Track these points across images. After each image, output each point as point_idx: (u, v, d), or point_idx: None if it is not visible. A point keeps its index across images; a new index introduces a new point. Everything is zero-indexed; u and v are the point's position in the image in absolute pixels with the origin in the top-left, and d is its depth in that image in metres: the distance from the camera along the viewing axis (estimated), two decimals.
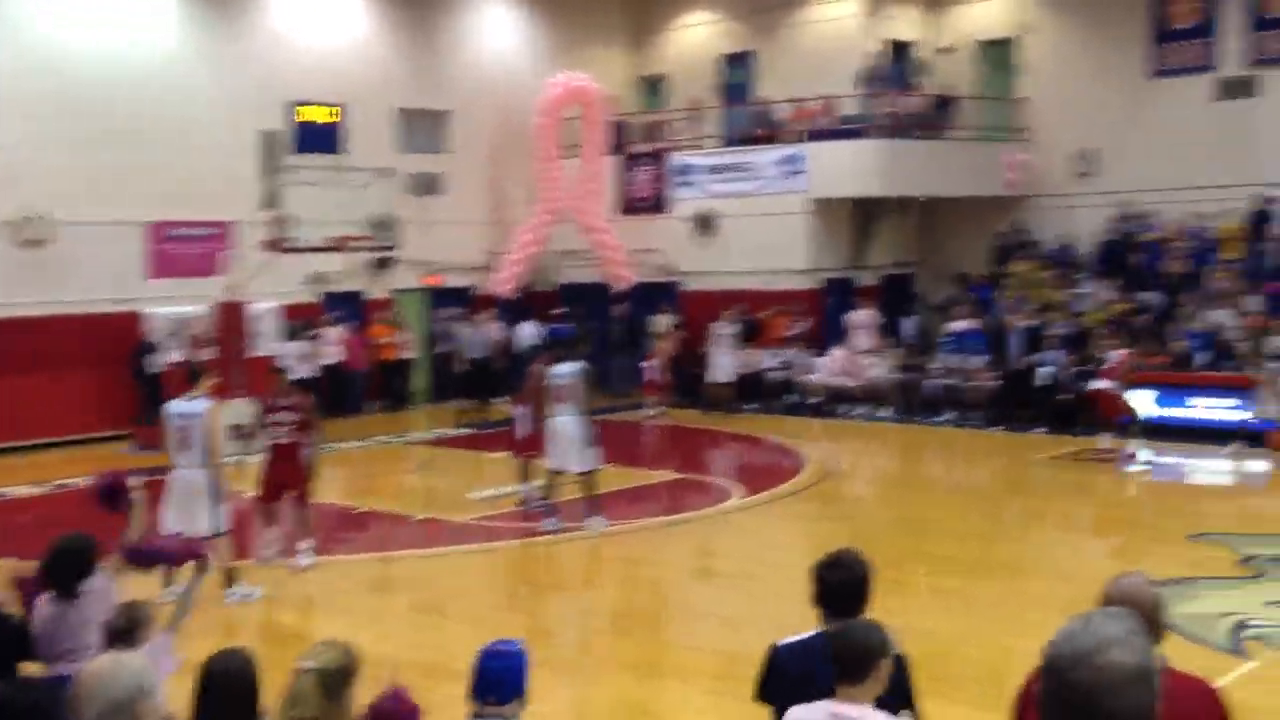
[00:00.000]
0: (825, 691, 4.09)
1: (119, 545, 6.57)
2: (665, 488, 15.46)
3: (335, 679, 3.91)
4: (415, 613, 10.75)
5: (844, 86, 22.90)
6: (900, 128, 22.66)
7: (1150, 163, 21.83)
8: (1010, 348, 19.71)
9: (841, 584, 4.39)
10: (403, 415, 22.39)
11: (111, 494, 7.02)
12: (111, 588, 5.94)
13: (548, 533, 12.69)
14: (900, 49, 24.87)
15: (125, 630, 5.21)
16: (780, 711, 4.33)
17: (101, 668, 3.23)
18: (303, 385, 16.58)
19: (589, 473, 12.73)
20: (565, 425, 12.62)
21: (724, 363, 21.45)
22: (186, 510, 10.20)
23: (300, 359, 20.14)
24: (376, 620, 10.17)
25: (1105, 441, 16.45)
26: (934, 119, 23.28)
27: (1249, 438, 16.53)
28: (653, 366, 21.28)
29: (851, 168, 22.24)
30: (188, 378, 10.98)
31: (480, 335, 22.04)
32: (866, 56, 23.14)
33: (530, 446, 13.59)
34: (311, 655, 3.95)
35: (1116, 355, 16.59)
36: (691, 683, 8.73)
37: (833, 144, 22.57)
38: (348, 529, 13.98)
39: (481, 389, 21.75)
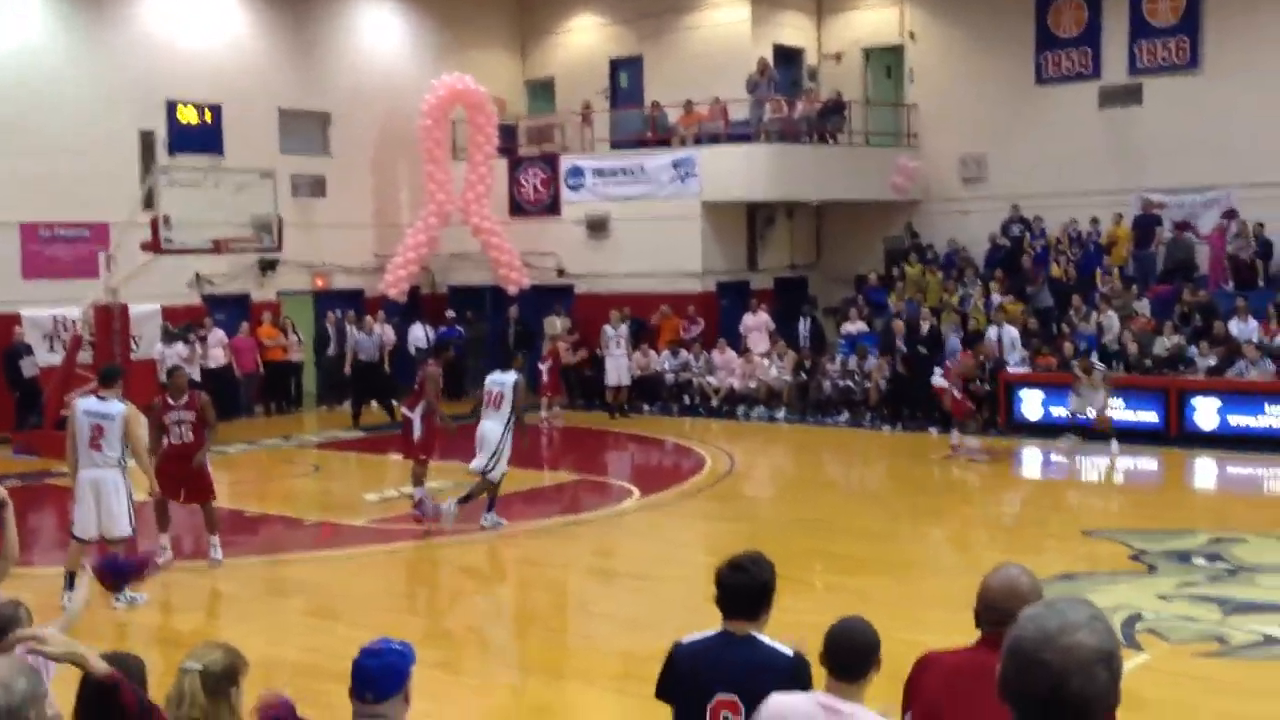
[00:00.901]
0: (725, 687, 4.21)
1: (94, 562, 6.31)
2: (563, 489, 15.33)
3: (219, 679, 3.80)
4: (309, 616, 10.44)
5: (733, 92, 23.03)
6: (790, 133, 22.87)
7: (1037, 168, 22.36)
8: (902, 349, 19.94)
9: (743, 587, 4.35)
10: (292, 418, 21.93)
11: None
12: None
13: (485, 529, 12.65)
14: (788, 55, 25.11)
15: (3, 628, 4.93)
16: (679, 709, 4.40)
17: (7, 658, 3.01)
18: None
19: (491, 474, 12.69)
20: (490, 430, 12.64)
21: (618, 365, 21.39)
22: (103, 511, 10.09)
23: (183, 362, 19.53)
24: (270, 623, 9.89)
25: (954, 438, 16.87)
26: (824, 124, 23.54)
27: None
28: (548, 369, 21.13)
29: (743, 172, 22.39)
30: (102, 378, 10.84)
31: (370, 338, 21.66)
32: (755, 62, 23.30)
33: (425, 449, 13.36)
34: (195, 656, 3.83)
35: (957, 354, 17.03)
36: (594, 683, 8.61)
37: (723, 148, 22.70)
38: (240, 532, 13.56)
39: (371, 391, 21.39)
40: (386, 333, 22.35)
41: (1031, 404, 18.32)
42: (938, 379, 17.27)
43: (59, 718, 5.01)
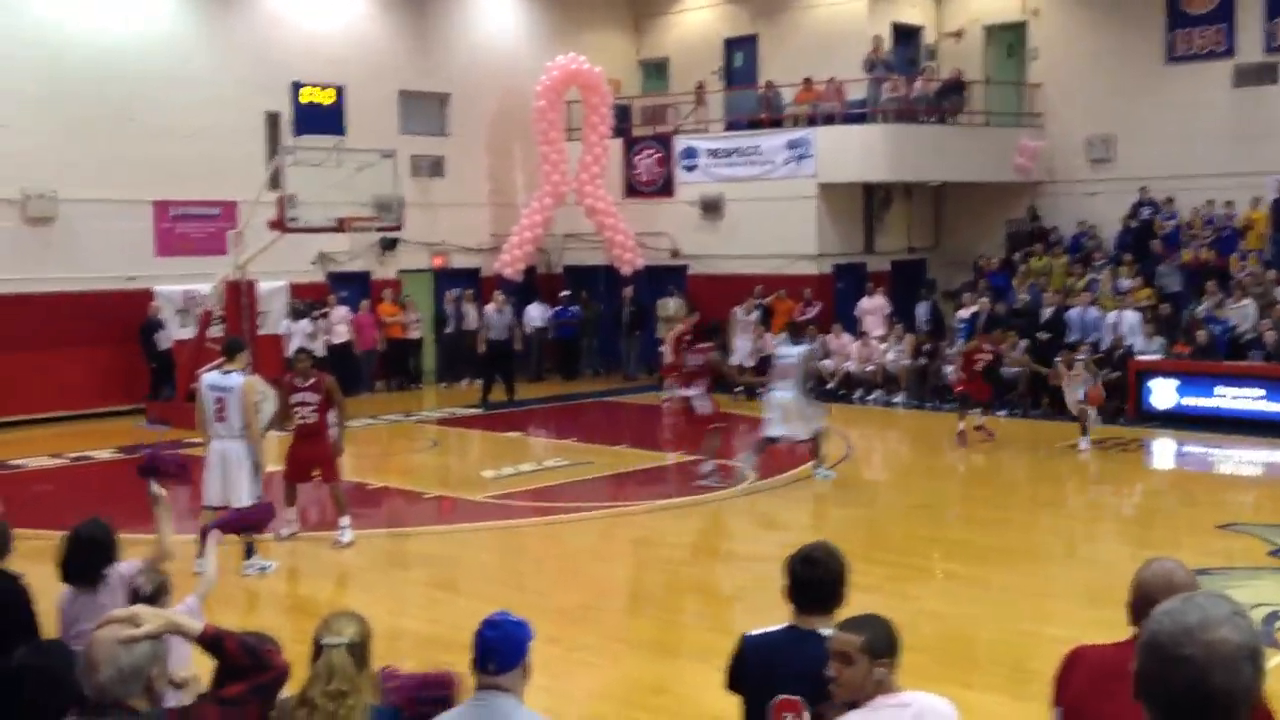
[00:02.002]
0: (788, 685, 4.14)
1: (223, 518, 6.52)
2: (681, 469, 15.35)
3: (360, 650, 3.94)
4: (430, 588, 10.67)
5: (849, 71, 22.79)
6: (908, 112, 22.55)
7: (1168, 149, 21.69)
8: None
9: (816, 580, 4.29)
10: (411, 394, 22.38)
11: (155, 471, 6.89)
12: (133, 573, 5.85)
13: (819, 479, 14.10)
14: (907, 33, 24.75)
15: (151, 597, 5.14)
16: (747, 704, 4.35)
17: (109, 636, 3.17)
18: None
19: (815, 435, 14.22)
20: (784, 399, 13.97)
21: (743, 346, 21.35)
22: (228, 481, 10.39)
23: (307, 338, 20.06)
24: (392, 594, 10.11)
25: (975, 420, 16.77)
26: (942, 104, 23.16)
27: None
28: (667, 350, 21.00)
29: (859, 152, 22.15)
30: (225, 351, 11.12)
31: (501, 316, 21.90)
32: (871, 41, 23.02)
33: (715, 419, 14.61)
34: (333, 629, 3.95)
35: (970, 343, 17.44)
36: (709, 662, 8.63)
37: (840, 128, 22.47)
38: (362, 505, 13.90)
39: (500, 370, 21.62)
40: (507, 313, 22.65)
41: (1162, 393, 17.83)
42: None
43: (195, 679, 5.21)
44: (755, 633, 4.40)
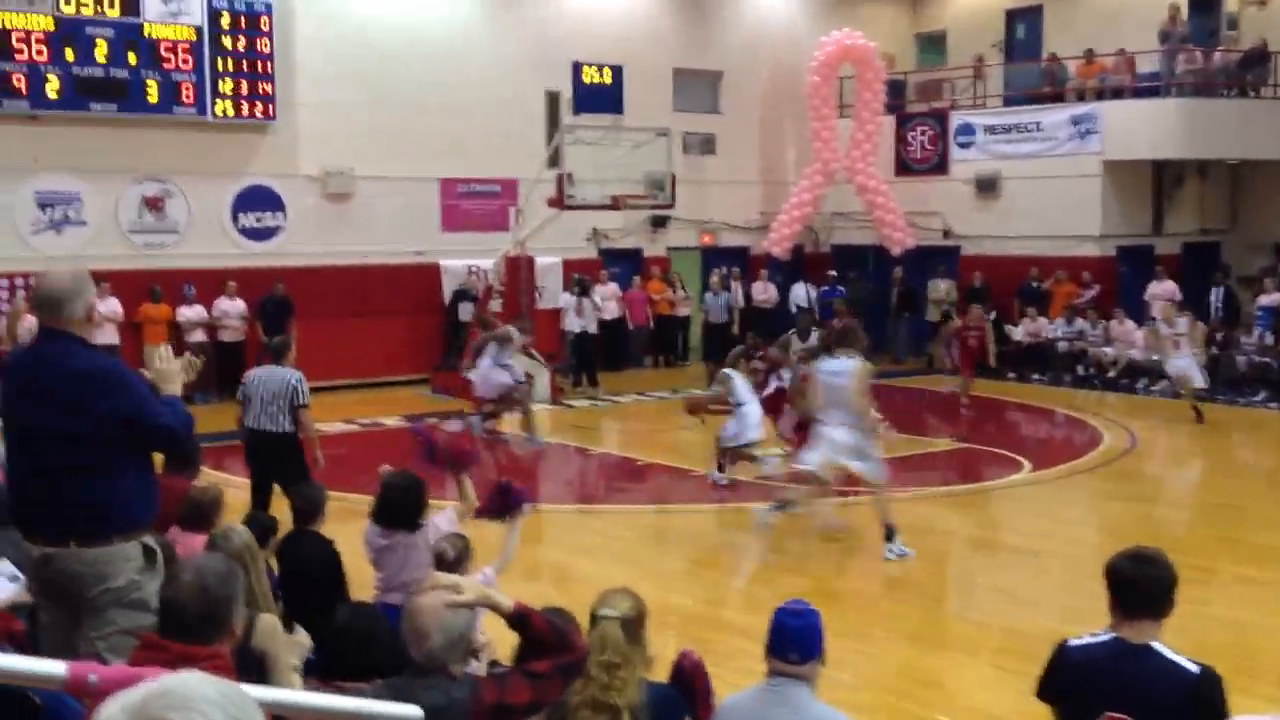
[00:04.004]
0: (1117, 703, 3.89)
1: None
2: (951, 456, 15.06)
3: (633, 625, 4.06)
4: (694, 565, 10.85)
5: (1139, 43, 21.62)
6: (1206, 85, 21.25)
7: None
8: None
9: (1151, 581, 3.98)
10: (679, 370, 22.71)
11: (445, 460, 7.05)
12: (449, 526, 6.20)
13: None
14: (1205, 2, 23.27)
15: (455, 561, 5.46)
16: (1062, 713, 4.12)
17: (437, 603, 3.35)
18: (580, 339, 17.19)
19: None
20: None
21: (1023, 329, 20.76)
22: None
23: (575, 313, 20.64)
24: (658, 570, 10.33)
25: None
26: (1245, 76, 21.69)
27: None
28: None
29: (1150, 128, 21.07)
30: (837, 339, 11.05)
31: (718, 299, 21.97)
32: (1166, 10, 21.75)
33: None
34: (608, 603, 4.09)
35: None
36: (978, 656, 8.49)
37: (1129, 103, 21.40)
38: (630, 481, 14.29)
39: (712, 354, 21.47)
40: (761, 290, 22.64)
41: None
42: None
43: (488, 644, 5.51)
44: (1077, 642, 4.12)
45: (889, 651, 8.71)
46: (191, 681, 1.64)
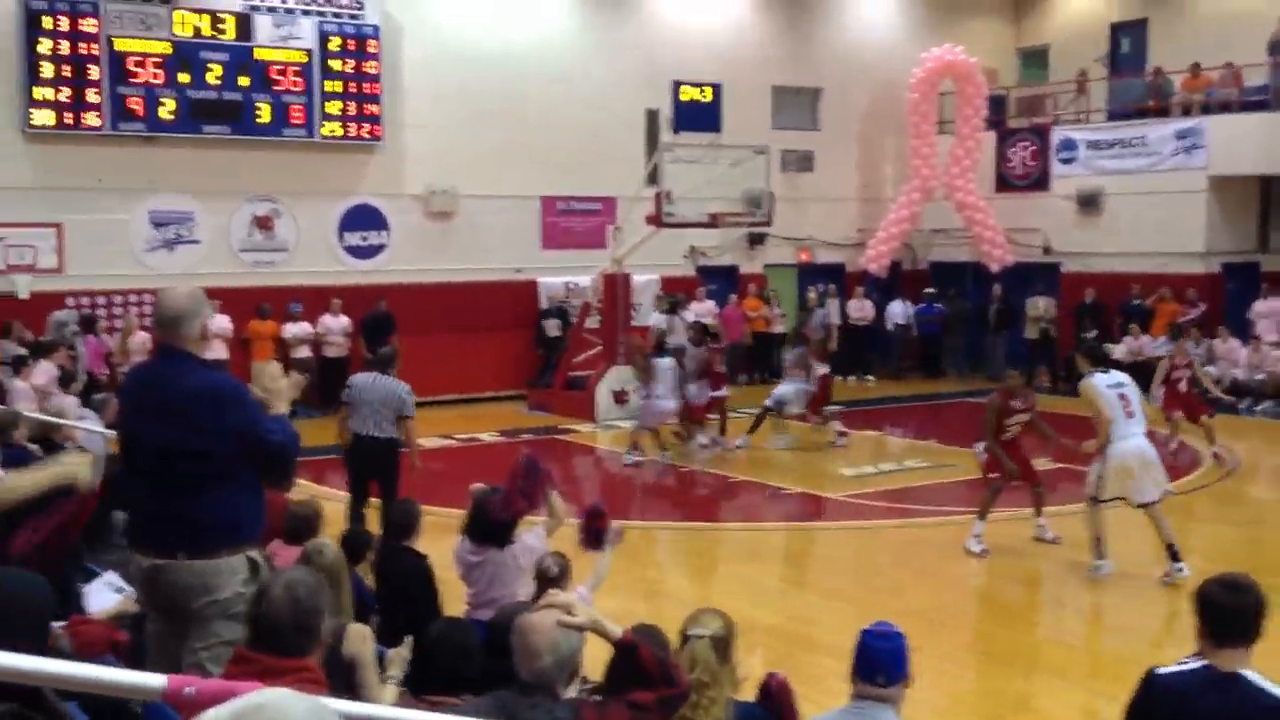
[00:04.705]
0: None
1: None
2: (1042, 476, 14.88)
3: (724, 644, 4.11)
4: (784, 583, 10.92)
5: (1248, 56, 21.17)
6: None
7: None
8: None
9: (1243, 609, 3.93)
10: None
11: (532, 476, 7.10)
12: (539, 543, 6.35)
13: None
14: None
15: (556, 579, 5.61)
16: None
17: (550, 622, 3.39)
18: (676, 353, 17.25)
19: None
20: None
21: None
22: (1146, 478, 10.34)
23: (670, 331, 20.71)
24: (748, 586, 10.41)
25: None
26: None
27: None
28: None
29: (1258, 142, 20.63)
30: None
31: (814, 316, 21.84)
32: (1277, 22, 21.25)
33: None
34: (699, 623, 4.14)
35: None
36: (1067, 679, 8.44)
37: (1237, 117, 20.98)
38: (725, 498, 14.39)
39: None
40: (857, 307, 22.55)
41: None
42: None
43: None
44: (1166, 670, 4.04)
45: (979, 674, 8.70)
46: (279, 698, 1.74)
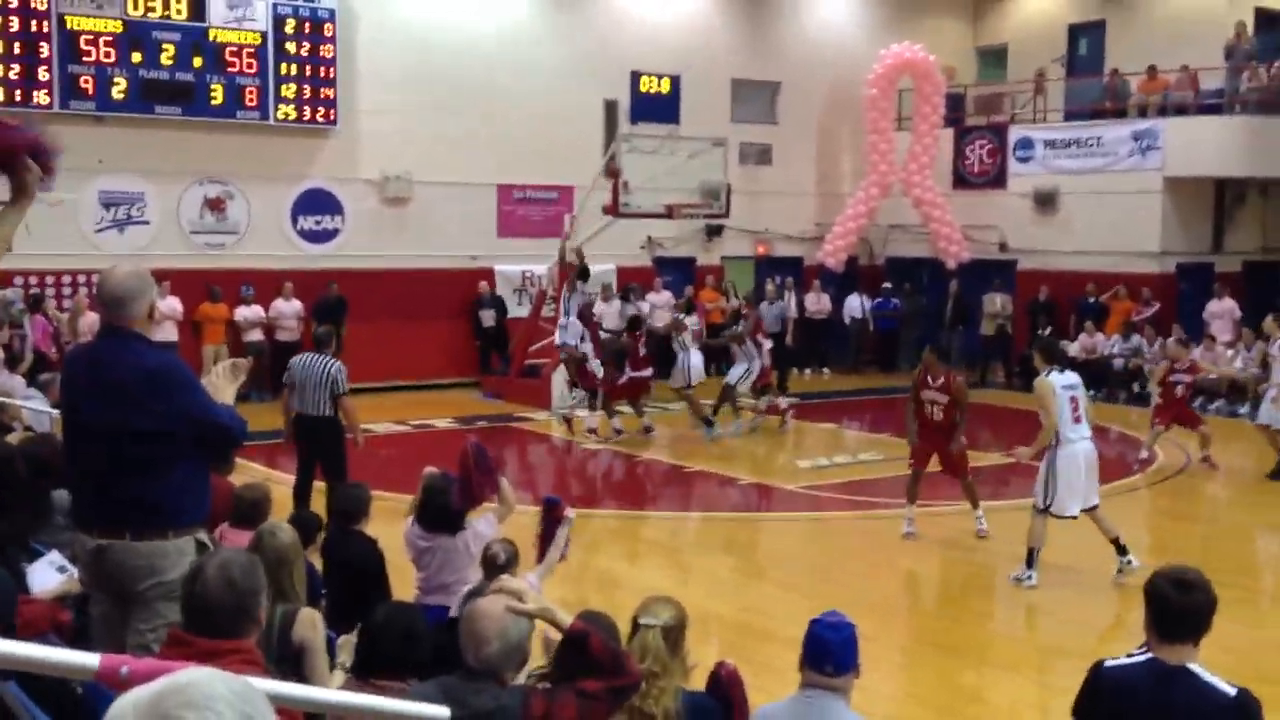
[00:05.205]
0: None
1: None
2: (995, 471, 14.96)
3: (675, 634, 4.08)
4: (740, 574, 10.89)
5: (1204, 60, 21.38)
6: (1271, 103, 20.98)
7: None
8: None
9: (1193, 607, 3.90)
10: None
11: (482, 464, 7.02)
12: (489, 529, 6.26)
13: None
14: (1272, 19, 22.99)
15: (504, 566, 5.53)
16: None
17: (499, 609, 3.33)
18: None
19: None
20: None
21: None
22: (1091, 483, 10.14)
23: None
24: (704, 577, 10.38)
25: None
26: None
27: None
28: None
29: (1213, 145, 20.86)
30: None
31: (772, 309, 21.82)
32: (1233, 27, 21.50)
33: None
34: (650, 612, 4.10)
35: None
36: (1020, 673, 8.46)
37: (1193, 120, 21.18)
38: (679, 488, 14.35)
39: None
40: (814, 300, 22.57)
41: None
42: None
43: (550, 643, 5.56)
44: (1113, 663, 4.05)
45: (931, 666, 8.70)
46: (204, 678, 1.65)
